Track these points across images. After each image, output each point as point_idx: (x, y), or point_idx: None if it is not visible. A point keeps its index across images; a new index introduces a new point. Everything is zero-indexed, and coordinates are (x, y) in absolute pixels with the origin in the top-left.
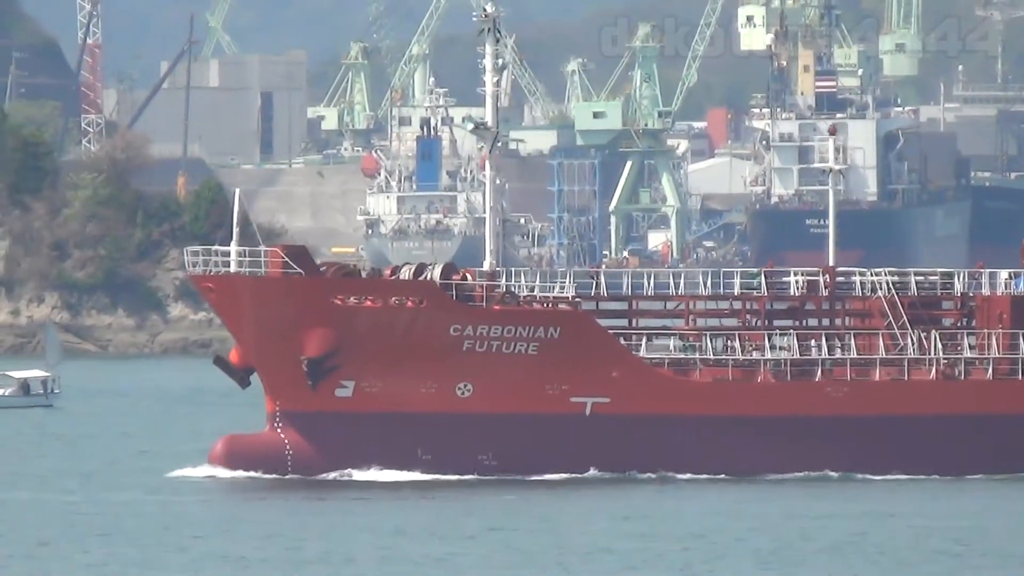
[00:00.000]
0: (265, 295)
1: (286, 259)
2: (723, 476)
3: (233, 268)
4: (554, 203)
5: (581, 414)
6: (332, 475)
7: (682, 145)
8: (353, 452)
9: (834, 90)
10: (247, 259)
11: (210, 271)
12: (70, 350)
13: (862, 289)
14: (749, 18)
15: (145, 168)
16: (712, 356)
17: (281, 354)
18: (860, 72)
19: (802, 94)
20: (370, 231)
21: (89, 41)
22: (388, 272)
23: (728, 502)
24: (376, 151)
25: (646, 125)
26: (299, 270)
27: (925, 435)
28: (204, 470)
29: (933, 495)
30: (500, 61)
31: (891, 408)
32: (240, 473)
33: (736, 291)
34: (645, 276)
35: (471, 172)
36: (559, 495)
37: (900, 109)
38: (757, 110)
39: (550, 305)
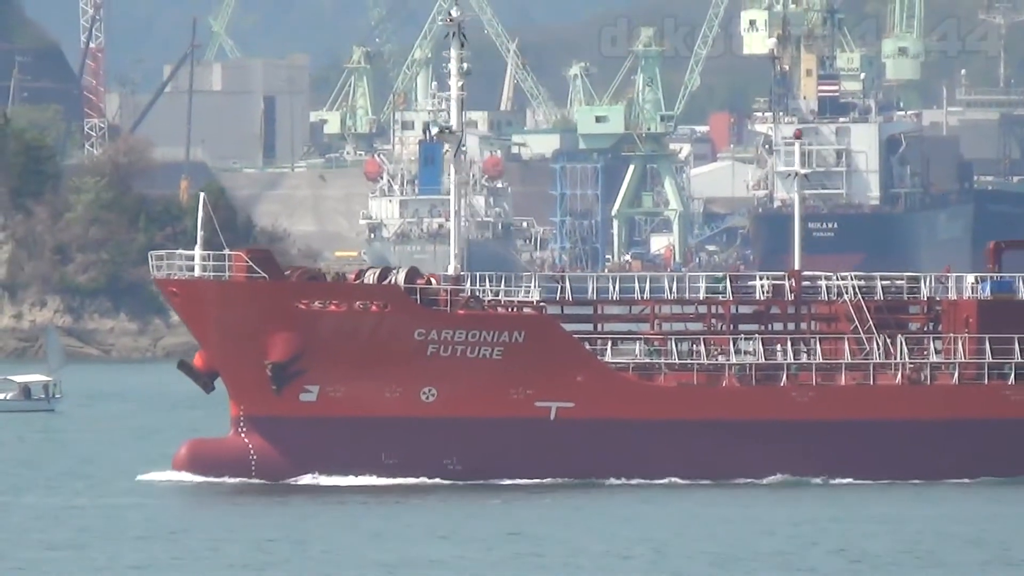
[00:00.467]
0: (229, 299)
1: (250, 263)
2: (687, 481)
3: (197, 272)
4: (556, 207)
5: (546, 419)
6: (303, 480)
7: (684, 149)
8: (317, 457)
9: (837, 94)
10: (211, 263)
11: (174, 275)
12: (72, 354)
13: (828, 293)
14: (752, 22)
15: (148, 172)
16: (677, 361)
17: (245, 358)
18: (863, 76)
19: (805, 98)
20: (373, 235)
21: (92, 45)
22: (353, 276)
23: (737, 507)
24: (378, 155)
25: (648, 129)
26: (263, 274)
27: (890, 440)
28: (169, 474)
29: (932, 500)
30: (465, 65)
31: (856, 413)
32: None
33: (701, 295)
34: (610, 280)
35: (473, 176)
36: (566, 499)
37: (903, 113)
38: (759, 114)
39: (515, 309)
